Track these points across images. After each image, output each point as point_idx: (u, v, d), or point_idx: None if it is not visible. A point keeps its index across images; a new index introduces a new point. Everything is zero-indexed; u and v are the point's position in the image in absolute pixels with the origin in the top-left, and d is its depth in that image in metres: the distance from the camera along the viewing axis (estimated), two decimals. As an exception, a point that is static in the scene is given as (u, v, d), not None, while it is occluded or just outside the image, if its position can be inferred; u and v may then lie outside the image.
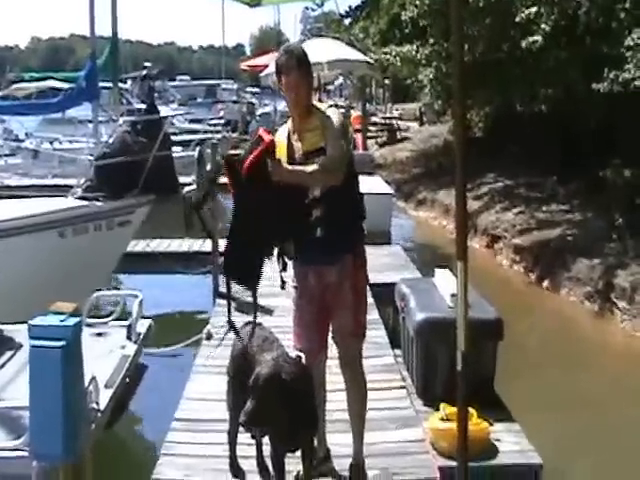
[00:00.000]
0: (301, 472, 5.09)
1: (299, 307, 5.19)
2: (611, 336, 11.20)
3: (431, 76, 22.44)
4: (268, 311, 8.30)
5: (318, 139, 4.87)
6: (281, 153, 4.90)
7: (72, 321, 3.50)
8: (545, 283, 13.49)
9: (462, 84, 4.29)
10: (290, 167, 4.79)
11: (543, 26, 16.13)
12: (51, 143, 21.51)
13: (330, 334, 5.19)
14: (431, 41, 21.58)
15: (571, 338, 11.12)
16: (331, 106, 5.23)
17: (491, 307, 6.97)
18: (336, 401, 5.19)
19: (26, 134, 23.17)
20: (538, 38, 16.28)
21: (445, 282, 7.54)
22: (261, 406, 4.34)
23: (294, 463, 4.98)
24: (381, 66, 25.31)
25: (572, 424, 8.01)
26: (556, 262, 13.65)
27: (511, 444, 6.05)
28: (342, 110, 5.54)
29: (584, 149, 16.74)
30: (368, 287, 5.34)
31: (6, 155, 19.12)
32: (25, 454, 5.42)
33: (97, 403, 6.07)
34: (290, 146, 5.00)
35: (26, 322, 4.77)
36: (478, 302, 6.68)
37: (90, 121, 18.62)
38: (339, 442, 5.23)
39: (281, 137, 5.04)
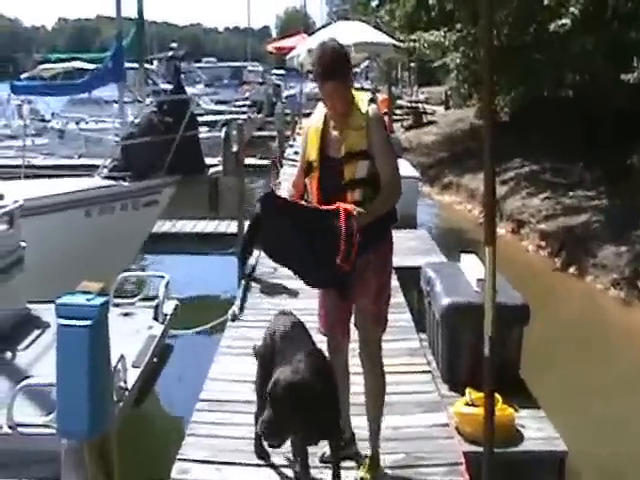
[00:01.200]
0: (327, 454, 5.09)
1: (323, 290, 5.12)
2: (637, 323, 11.11)
3: (458, 61, 22.35)
4: (294, 293, 8.33)
5: (361, 140, 4.73)
6: (313, 140, 4.85)
7: (99, 300, 3.49)
8: (571, 269, 13.41)
9: (491, 70, 4.22)
10: (368, 212, 4.61)
11: (572, 9, 15.99)
12: (77, 123, 21.55)
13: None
14: (458, 26, 21.47)
15: (597, 325, 11.05)
16: (371, 100, 4.90)
17: (517, 292, 6.93)
18: (360, 384, 5.12)
19: (52, 114, 23.22)
20: (567, 21, 16.15)
21: (471, 267, 7.51)
22: (279, 418, 4.22)
23: (318, 446, 5.00)
24: (407, 49, 25.22)
25: (597, 411, 7.98)
26: (582, 248, 13.58)
27: (536, 431, 6.01)
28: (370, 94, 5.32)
29: (610, 135, 16.62)
30: (394, 271, 5.26)
31: (32, 135, 19.14)
32: (54, 432, 5.48)
33: (125, 382, 6.12)
34: (325, 134, 4.86)
35: (53, 301, 4.80)
36: (504, 287, 6.63)
37: (116, 101, 18.70)
38: (364, 425, 5.18)
39: (316, 122, 4.93)
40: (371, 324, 4.98)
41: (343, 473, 4.91)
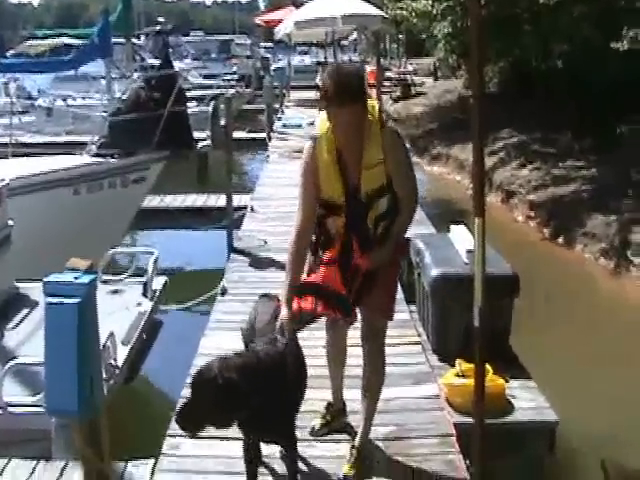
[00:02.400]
0: (316, 427, 5.09)
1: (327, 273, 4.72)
2: (626, 293, 11.15)
3: (446, 31, 22.25)
4: (283, 266, 8.28)
5: (380, 177, 4.39)
6: (331, 176, 4.42)
7: (87, 278, 3.48)
8: (560, 239, 13.43)
9: (480, 41, 4.17)
10: (385, 250, 4.50)
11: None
12: (64, 100, 21.43)
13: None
14: (446, -4, 21.39)
15: (586, 294, 11.08)
16: (380, 112, 4.48)
17: (507, 263, 6.92)
18: (356, 356, 5.08)
19: (39, 91, 23.10)
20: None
21: (461, 238, 7.49)
22: (195, 406, 3.89)
23: (308, 419, 5.01)
24: (395, 20, 25.11)
25: (587, 380, 8.01)
26: (571, 218, 13.59)
27: (527, 401, 6.01)
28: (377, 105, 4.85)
29: (600, 105, 16.60)
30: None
31: (19, 113, 19.05)
32: (43, 411, 5.48)
33: (115, 359, 6.13)
34: (344, 170, 4.42)
35: (41, 280, 4.78)
36: (494, 258, 6.62)
37: (103, 77, 18.58)
38: (356, 398, 5.17)
39: (326, 154, 4.42)
40: (378, 314, 4.78)
41: (333, 445, 4.93)
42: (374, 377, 4.89)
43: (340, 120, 4.24)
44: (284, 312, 4.34)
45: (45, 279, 3.45)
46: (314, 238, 4.67)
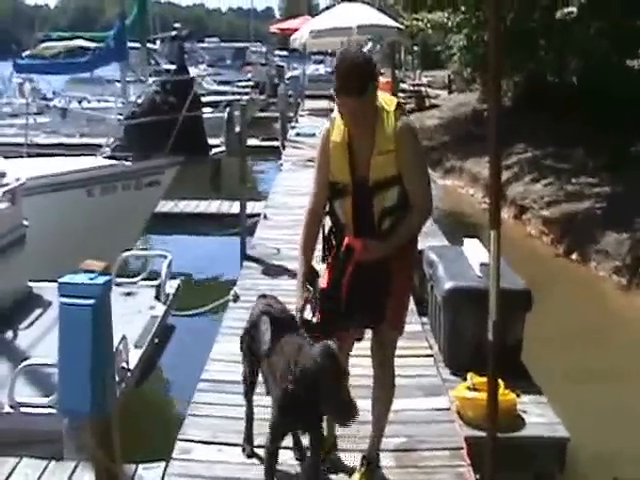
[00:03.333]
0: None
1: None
2: (638, 309, 11.10)
3: (461, 43, 22.27)
4: (295, 275, 8.29)
5: (390, 166, 4.29)
6: (340, 158, 4.38)
7: (102, 279, 3.48)
8: (573, 256, 13.40)
9: (499, 53, 4.16)
10: (387, 244, 4.39)
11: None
12: (79, 102, 21.51)
13: None
14: (462, 8, 21.39)
15: (599, 311, 11.05)
16: (399, 109, 4.37)
17: (520, 278, 6.90)
18: (365, 366, 4.97)
19: (53, 93, 23.18)
20: (574, 9, 16.10)
21: (474, 251, 7.49)
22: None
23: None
24: (411, 32, 25.15)
25: (599, 397, 7.95)
26: (585, 235, 13.56)
27: (538, 416, 6.00)
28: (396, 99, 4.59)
29: (614, 122, 16.57)
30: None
31: (34, 114, 19.12)
32: (55, 411, 5.48)
33: (127, 362, 6.12)
34: (353, 152, 4.37)
35: (54, 280, 4.77)
36: (507, 272, 6.60)
37: (118, 81, 18.66)
38: (366, 408, 5.13)
39: (339, 135, 4.40)
40: (388, 327, 4.62)
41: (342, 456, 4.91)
42: (384, 390, 4.80)
43: (343, 109, 4.27)
44: (298, 298, 4.40)
45: (60, 280, 3.45)
46: (326, 228, 4.64)
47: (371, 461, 4.86)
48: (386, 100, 4.37)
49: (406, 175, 4.32)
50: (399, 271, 4.54)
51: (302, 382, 4.02)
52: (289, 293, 4.73)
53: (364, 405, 4.83)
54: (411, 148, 4.32)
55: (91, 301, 3.40)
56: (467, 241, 7.95)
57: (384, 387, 4.78)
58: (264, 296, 4.94)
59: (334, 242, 4.62)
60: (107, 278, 3.65)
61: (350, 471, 4.91)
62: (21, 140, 13.48)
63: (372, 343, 4.74)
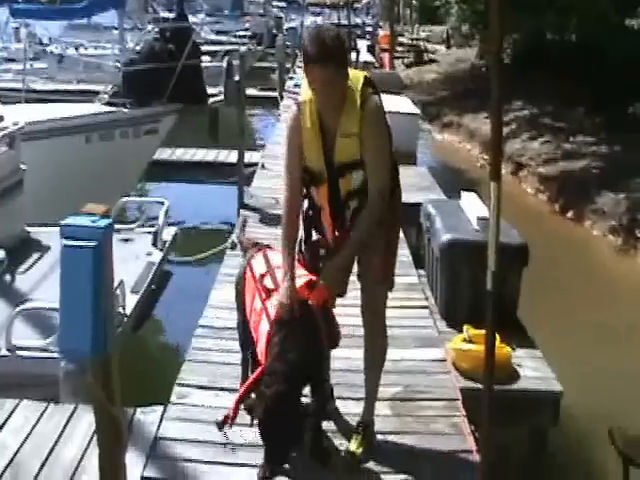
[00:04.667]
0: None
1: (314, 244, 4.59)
2: (633, 271, 11.16)
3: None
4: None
5: (354, 149, 4.17)
6: (313, 143, 4.23)
7: (103, 222, 3.47)
8: (569, 214, 13.45)
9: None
10: (339, 260, 4.28)
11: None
12: (76, 49, 21.31)
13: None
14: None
15: (593, 269, 11.11)
16: (366, 86, 4.19)
17: (517, 233, 6.91)
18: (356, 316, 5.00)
19: (50, 39, 22.96)
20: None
21: (471, 205, 7.51)
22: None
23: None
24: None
25: (591, 353, 8.03)
26: (581, 194, 13.61)
27: (532, 370, 6.05)
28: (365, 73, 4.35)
29: (613, 82, 16.52)
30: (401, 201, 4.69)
31: (31, 59, 18.94)
32: (53, 355, 5.51)
33: (124, 307, 6.14)
34: (325, 137, 4.23)
35: (52, 225, 4.76)
36: (504, 227, 6.54)
37: (115, 28, 18.48)
38: (356, 357, 5.09)
39: (309, 118, 4.23)
40: (377, 284, 4.50)
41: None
42: (374, 352, 4.70)
43: (316, 77, 4.06)
44: (283, 286, 4.23)
45: (62, 222, 3.43)
46: (304, 212, 4.51)
47: (368, 425, 4.78)
48: (352, 77, 4.18)
49: (366, 159, 4.20)
50: (382, 231, 4.41)
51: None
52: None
53: (360, 355, 4.86)
54: (374, 133, 4.19)
55: (93, 243, 3.39)
56: (465, 195, 7.96)
57: (377, 340, 4.67)
58: (257, 244, 4.91)
59: (310, 225, 4.55)
60: (108, 221, 3.63)
61: (346, 428, 4.88)
62: (18, 85, 13.36)
63: (361, 300, 4.62)
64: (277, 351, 4.11)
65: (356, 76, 4.22)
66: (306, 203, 4.51)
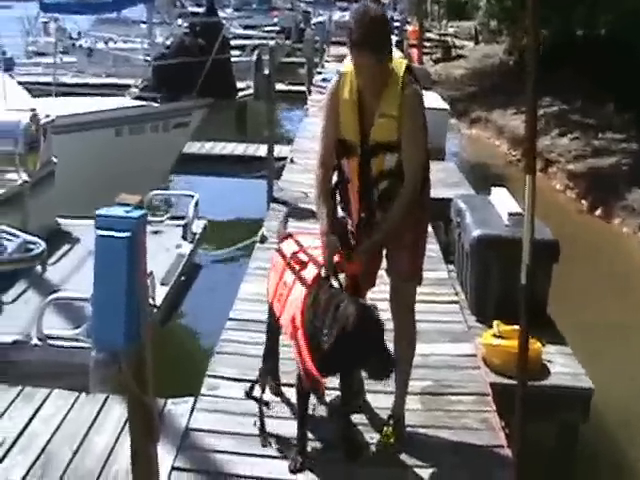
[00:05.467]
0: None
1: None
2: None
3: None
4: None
5: (391, 131, 4.19)
6: (350, 116, 4.28)
7: (137, 213, 3.48)
8: (598, 211, 13.34)
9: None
10: (376, 236, 4.32)
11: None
12: (105, 43, 21.40)
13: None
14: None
15: (622, 267, 11.01)
16: (408, 73, 4.21)
17: (548, 229, 6.86)
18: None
19: (79, 33, 23.07)
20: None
21: (502, 200, 7.46)
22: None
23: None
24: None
25: (622, 350, 7.98)
26: (610, 191, 13.49)
27: (562, 366, 6.00)
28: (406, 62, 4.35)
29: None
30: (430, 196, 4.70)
31: (61, 53, 19.05)
32: (83, 344, 5.55)
33: (153, 298, 6.16)
34: (363, 112, 4.26)
35: (82, 217, 4.79)
36: (535, 223, 6.55)
37: (143, 22, 18.54)
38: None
39: (349, 92, 4.27)
40: (405, 281, 4.54)
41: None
42: (404, 343, 4.67)
43: (360, 66, 4.12)
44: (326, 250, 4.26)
45: (96, 212, 3.45)
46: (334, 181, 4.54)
47: (399, 418, 4.78)
48: (396, 62, 4.23)
49: (403, 142, 4.21)
50: (414, 222, 4.45)
51: (339, 340, 3.94)
52: (315, 236, 4.68)
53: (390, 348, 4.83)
54: (412, 119, 4.21)
55: (127, 234, 3.40)
56: (495, 190, 7.92)
57: (406, 336, 4.67)
58: (290, 235, 4.88)
59: (339, 197, 4.56)
60: (142, 212, 3.65)
61: (377, 421, 4.88)
62: (48, 79, 13.43)
63: (390, 295, 4.65)
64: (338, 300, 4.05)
65: (399, 62, 4.26)
66: (335, 176, 4.54)
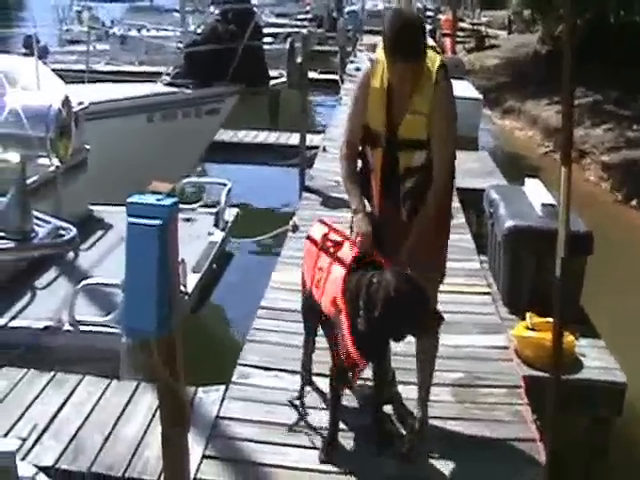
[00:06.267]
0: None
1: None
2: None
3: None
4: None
5: (420, 128, 4.16)
6: (378, 105, 4.23)
7: (169, 201, 3.46)
8: (633, 202, 13.20)
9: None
10: (412, 240, 4.22)
11: None
12: (138, 31, 21.49)
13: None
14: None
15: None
16: (441, 69, 4.17)
17: (582, 221, 6.78)
18: None
19: (112, 21, 23.21)
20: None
21: (535, 192, 7.39)
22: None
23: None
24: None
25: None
26: (645, 182, 13.34)
27: (595, 360, 5.92)
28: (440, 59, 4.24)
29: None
30: (455, 192, 4.84)
31: (94, 41, 19.16)
32: (113, 330, 5.56)
33: (184, 286, 6.15)
34: (391, 104, 4.23)
35: (114, 204, 4.76)
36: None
37: (176, 10, 18.60)
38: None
39: (379, 80, 4.23)
40: (427, 269, 4.33)
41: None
42: (425, 342, 4.58)
43: (394, 72, 4.12)
44: (360, 230, 4.21)
45: (128, 200, 3.45)
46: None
47: (421, 423, 4.68)
48: (431, 57, 4.18)
49: (433, 143, 4.19)
50: (437, 215, 4.35)
51: (385, 308, 3.89)
52: (347, 227, 4.64)
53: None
54: (444, 117, 4.18)
55: (158, 221, 3.39)
56: (528, 181, 7.84)
57: (428, 337, 4.50)
58: (322, 221, 4.81)
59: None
60: (174, 200, 3.64)
61: (408, 413, 4.84)
62: (82, 67, 13.48)
63: None
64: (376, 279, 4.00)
65: (433, 58, 4.19)
66: (360, 164, 4.50)
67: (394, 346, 4.57)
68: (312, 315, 4.70)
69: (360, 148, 4.44)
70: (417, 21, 4.17)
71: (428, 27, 32.79)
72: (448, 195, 4.50)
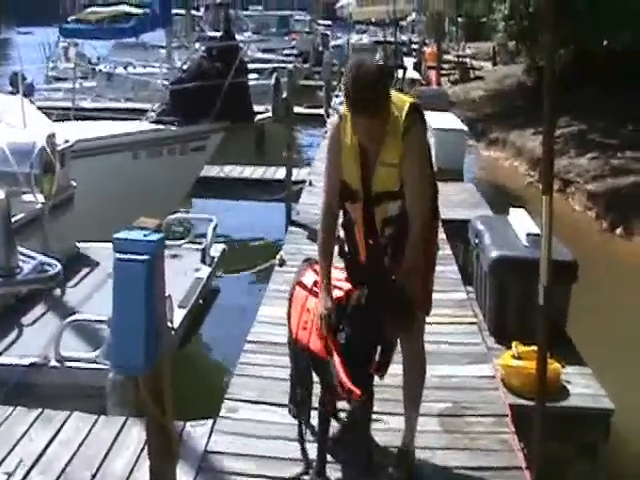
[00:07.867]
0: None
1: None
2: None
3: (506, 12, 22.00)
4: (342, 241, 8.30)
5: (393, 180, 4.11)
6: (351, 162, 4.16)
7: (155, 236, 3.50)
8: (618, 230, 13.27)
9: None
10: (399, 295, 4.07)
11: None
12: (125, 67, 21.58)
13: None
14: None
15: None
16: (411, 113, 4.09)
17: (566, 249, 6.85)
18: None
19: (98, 58, 23.29)
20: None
21: (520, 221, 7.46)
22: None
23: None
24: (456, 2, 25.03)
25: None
26: (631, 210, 13.40)
27: (582, 387, 5.97)
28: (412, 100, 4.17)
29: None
30: (440, 223, 4.71)
31: (80, 78, 19.21)
32: (100, 366, 5.57)
33: (171, 321, 6.17)
34: (365, 160, 4.15)
35: (100, 241, 4.78)
36: (554, 243, 6.51)
37: (162, 47, 18.70)
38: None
39: (350, 137, 4.16)
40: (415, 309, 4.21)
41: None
42: (413, 375, 4.59)
43: (357, 127, 4.06)
44: (323, 301, 4.20)
45: (115, 235, 3.49)
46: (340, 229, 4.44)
47: (410, 451, 4.67)
48: (397, 103, 4.10)
49: (406, 192, 4.12)
50: (425, 248, 4.30)
51: (355, 316, 4.04)
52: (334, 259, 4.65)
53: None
54: (415, 166, 4.10)
55: (145, 257, 3.42)
56: (513, 211, 7.92)
57: (416, 365, 4.56)
58: (312, 267, 4.85)
59: (345, 241, 4.48)
60: (160, 235, 3.68)
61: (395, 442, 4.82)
62: (68, 104, 13.53)
63: None
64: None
65: (402, 102, 4.14)
66: (342, 216, 4.46)
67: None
68: (300, 358, 4.72)
69: (341, 203, 4.35)
70: (376, 75, 3.96)
71: (413, 60, 33.17)
72: (432, 232, 4.45)
